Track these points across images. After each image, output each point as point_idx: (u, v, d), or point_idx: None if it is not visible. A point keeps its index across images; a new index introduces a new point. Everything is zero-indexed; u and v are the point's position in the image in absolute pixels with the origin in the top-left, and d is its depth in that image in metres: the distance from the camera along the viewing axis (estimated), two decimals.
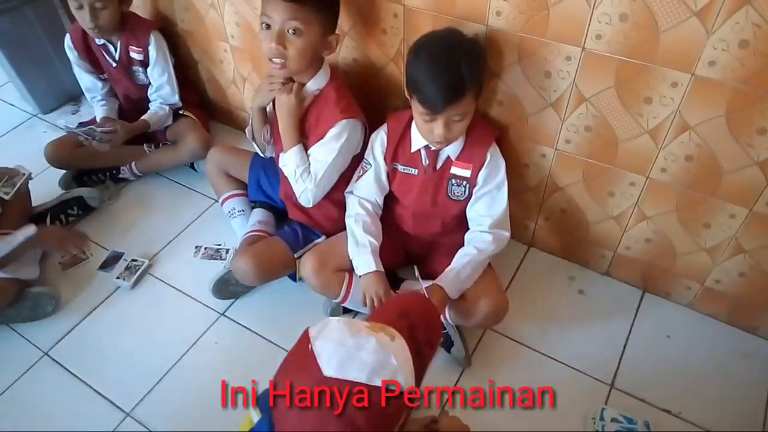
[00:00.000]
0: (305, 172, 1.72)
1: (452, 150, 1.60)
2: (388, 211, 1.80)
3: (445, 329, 1.72)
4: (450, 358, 1.72)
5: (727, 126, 1.35)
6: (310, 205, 1.76)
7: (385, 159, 1.70)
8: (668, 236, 1.67)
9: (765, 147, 1.34)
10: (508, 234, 1.65)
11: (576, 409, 1.61)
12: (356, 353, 0.82)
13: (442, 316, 1.68)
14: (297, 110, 1.70)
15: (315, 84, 1.70)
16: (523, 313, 1.85)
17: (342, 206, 1.80)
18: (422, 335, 0.91)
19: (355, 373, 0.81)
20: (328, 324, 0.87)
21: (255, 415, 0.98)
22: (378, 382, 0.80)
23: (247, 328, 1.86)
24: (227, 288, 1.94)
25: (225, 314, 1.92)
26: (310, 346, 0.85)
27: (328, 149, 1.68)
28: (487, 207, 1.63)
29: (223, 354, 1.80)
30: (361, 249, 1.67)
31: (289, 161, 1.74)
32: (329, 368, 0.81)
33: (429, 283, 1.60)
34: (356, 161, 1.77)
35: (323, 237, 1.87)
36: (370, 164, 1.72)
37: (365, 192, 1.75)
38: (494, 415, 1.59)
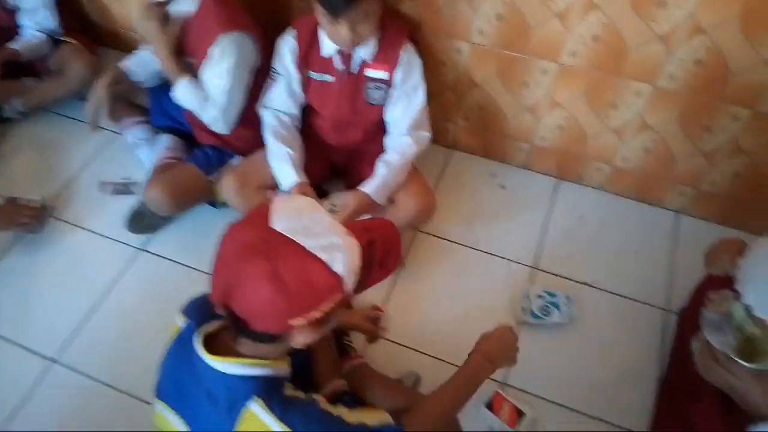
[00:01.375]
0: (205, 101, 1.61)
1: (366, 52, 1.54)
2: (307, 124, 1.74)
3: None
4: None
5: (629, 1, 1.39)
6: (227, 132, 1.67)
7: (296, 67, 1.61)
8: (579, 121, 1.73)
9: (666, 19, 1.39)
10: (428, 134, 1.64)
11: (505, 292, 1.71)
12: (309, 224, 0.82)
13: None
14: (160, 36, 1.56)
15: (184, 2, 1.55)
16: (450, 213, 1.90)
17: (254, 124, 1.70)
18: (379, 253, 0.90)
19: (301, 236, 0.80)
20: (296, 197, 0.87)
21: (181, 321, 0.97)
22: (319, 255, 0.79)
23: (171, 260, 1.79)
24: (143, 221, 1.83)
25: (146, 249, 1.82)
26: (269, 207, 0.84)
27: (218, 72, 1.56)
28: (404, 109, 1.61)
29: (149, 288, 1.73)
30: (282, 162, 1.61)
31: (182, 97, 1.62)
32: (278, 224, 0.81)
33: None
34: (264, 74, 1.67)
35: (238, 158, 1.78)
36: (280, 74, 1.62)
37: (278, 104, 1.66)
38: (429, 301, 1.67)
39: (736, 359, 1.07)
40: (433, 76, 1.78)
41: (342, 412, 0.94)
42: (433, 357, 1.59)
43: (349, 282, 0.83)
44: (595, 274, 1.75)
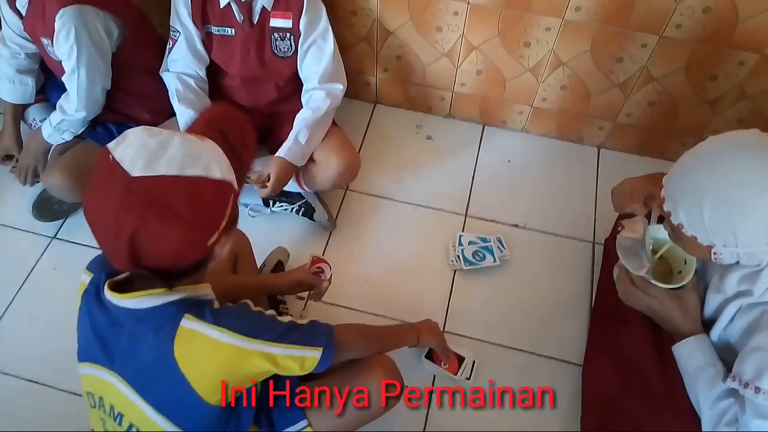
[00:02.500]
0: (66, 100, 1.51)
1: None
2: (217, 86, 1.64)
3: (305, 198, 1.68)
4: (316, 225, 1.70)
5: None
6: (88, 119, 1.56)
7: (194, 22, 1.50)
8: (495, 63, 1.72)
9: None
10: (341, 86, 1.58)
11: (439, 242, 1.70)
12: (162, 151, 0.77)
13: (297, 184, 1.63)
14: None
15: None
16: (378, 169, 1.86)
17: (154, 93, 1.60)
18: (235, 138, 0.90)
19: (164, 168, 0.76)
20: (126, 135, 0.80)
21: (86, 277, 0.93)
22: (193, 173, 0.77)
23: (85, 245, 1.68)
24: (50, 208, 1.70)
25: (56, 237, 1.70)
26: (110, 157, 0.77)
27: (65, 53, 1.42)
28: (315, 61, 1.54)
29: (65, 277, 1.61)
30: None
31: (51, 131, 1.55)
32: (136, 169, 0.75)
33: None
34: (144, 46, 1.56)
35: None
36: (179, 31, 1.51)
37: (182, 65, 1.56)
38: (364, 259, 1.64)
39: (652, 281, 1.10)
40: (345, 27, 1.72)
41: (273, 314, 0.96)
42: (373, 314, 1.57)
43: (231, 176, 0.83)
44: (525, 215, 1.77)
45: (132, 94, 1.61)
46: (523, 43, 1.63)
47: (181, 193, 0.76)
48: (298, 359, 0.94)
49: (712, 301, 1.07)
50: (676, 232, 0.95)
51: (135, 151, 0.77)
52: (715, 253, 0.92)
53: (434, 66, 1.79)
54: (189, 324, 0.85)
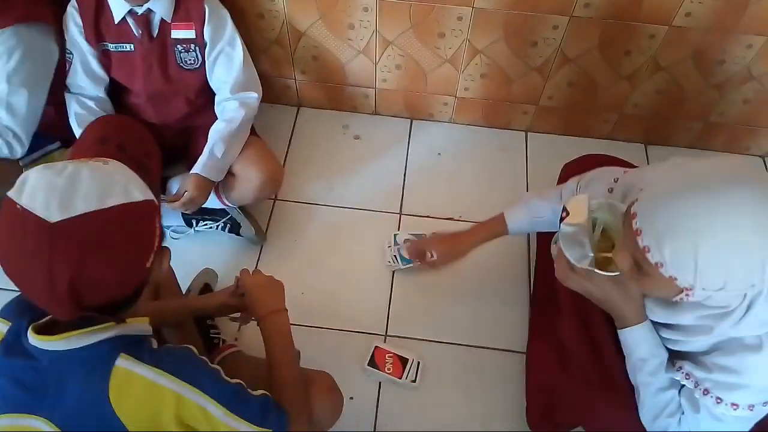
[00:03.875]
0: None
1: (163, 9, 1.37)
2: (123, 106, 1.54)
3: (229, 214, 1.60)
4: (244, 241, 1.63)
5: None
6: (23, 150, 1.42)
7: (87, 41, 1.40)
8: (413, 57, 1.68)
9: None
10: (256, 95, 1.51)
11: (375, 244, 1.66)
12: (72, 188, 0.73)
13: (218, 200, 1.55)
14: None
15: None
16: (307, 174, 1.80)
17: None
18: (135, 149, 0.88)
19: (83, 206, 0.72)
20: (25, 179, 0.74)
21: (2, 326, 0.85)
22: (114, 202, 0.74)
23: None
24: None
25: None
26: (18, 207, 0.71)
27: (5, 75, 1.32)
28: (225, 70, 1.47)
29: None
30: None
31: None
32: (53, 214, 0.70)
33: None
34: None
35: (58, 144, 1.56)
36: (72, 53, 1.42)
37: (80, 87, 1.47)
38: (298, 271, 1.59)
39: (594, 270, 1.05)
40: (254, 31, 1.65)
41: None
42: (313, 327, 1.52)
43: (149, 193, 0.79)
44: (459, 207, 1.75)
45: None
46: (438, 34, 1.60)
47: (110, 226, 0.74)
48: None
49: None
50: (644, 267, 0.81)
51: (44, 194, 0.71)
52: (687, 295, 0.81)
53: (353, 64, 1.74)
54: (125, 364, 0.78)
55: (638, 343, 1.00)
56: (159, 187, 0.84)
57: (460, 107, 1.85)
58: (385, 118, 1.93)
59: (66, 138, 1.52)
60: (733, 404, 0.87)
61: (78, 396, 0.79)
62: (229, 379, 0.88)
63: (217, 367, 0.89)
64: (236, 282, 1.30)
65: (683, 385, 0.96)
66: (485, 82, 1.74)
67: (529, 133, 1.91)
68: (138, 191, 0.77)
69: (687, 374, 0.93)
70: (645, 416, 1.01)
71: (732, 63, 1.57)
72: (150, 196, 0.79)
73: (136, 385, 0.79)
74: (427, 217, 1.73)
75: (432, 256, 1.46)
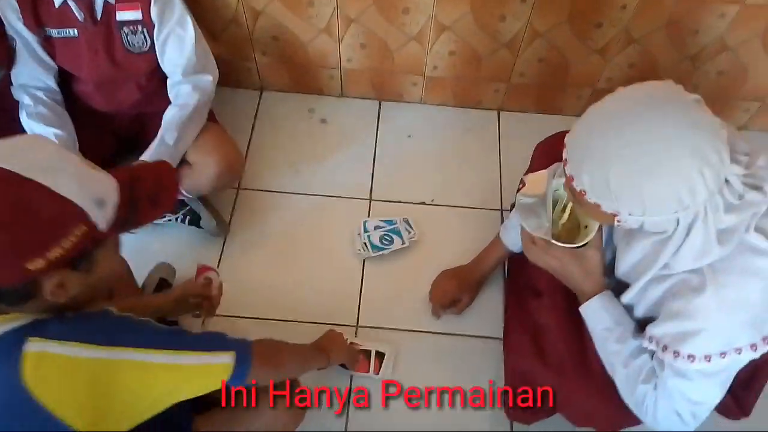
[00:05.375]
0: None
1: None
2: (71, 95, 1.45)
3: (188, 205, 1.52)
4: (205, 233, 1.56)
5: None
6: None
7: (27, 27, 1.31)
8: (378, 34, 1.61)
9: None
10: (210, 77, 1.43)
11: (345, 232, 1.60)
12: (24, 151, 0.68)
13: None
14: None
15: None
16: (271, 161, 1.73)
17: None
18: (147, 187, 0.79)
19: (5, 161, 0.67)
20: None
21: None
22: (35, 178, 0.67)
23: None
24: None
25: None
26: None
27: None
28: (177, 52, 1.38)
29: None
30: None
31: None
32: None
33: None
34: None
35: None
36: (15, 39, 1.32)
37: (27, 77, 1.38)
38: (265, 263, 1.53)
39: (551, 241, 1.04)
40: (208, 12, 1.57)
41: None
42: (282, 321, 1.46)
43: (97, 214, 0.70)
44: (431, 190, 1.69)
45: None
46: (402, 10, 1.52)
47: (8, 192, 0.67)
48: (199, 369, 0.80)
49: (622, 267, 1.02)
50: (577, 198, 0.85)
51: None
52: (618, 221, 0.83)
53: (315, 43, 1.66)
54: (34, 347, 0.72)
55: (600, 314, 0.99)
56: (136, 225, 0.77)
57: (429, 87, 1.78)
58: (352, 101, 1.86)
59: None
60: (689, 356, 0.84)
61: None
62: (165, 327, 0.82)
63: (147, 318, 0.82)
64: (197, 271, 1.24)
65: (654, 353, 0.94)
66: (453, 60, 1.67)
67: (501, 112, 1.85)
68: (69, 189, 0.69)
69: (650, 337, 0.91)
70: (623, 390, 0.97)
71: (705, 34, 1.53)
72: (88, 209, 0.70)
73: (50, 365, 0.72)
74: (399, 202, 1.67)
75: (461, 300, 1.47)
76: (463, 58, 1.66)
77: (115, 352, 0.75)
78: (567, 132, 0.99)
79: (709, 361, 0.82)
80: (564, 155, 0.85)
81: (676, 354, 0.86)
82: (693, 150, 0.73)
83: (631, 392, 0.95)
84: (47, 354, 0.72)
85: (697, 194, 0.75)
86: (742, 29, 1.50)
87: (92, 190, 0.71)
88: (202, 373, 0.81)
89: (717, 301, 0.80)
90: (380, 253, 1.54)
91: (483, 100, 1.83)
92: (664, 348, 0.88)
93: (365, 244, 1.55)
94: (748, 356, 0.82)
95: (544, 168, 1.13)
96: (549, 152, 1.19)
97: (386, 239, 1.56)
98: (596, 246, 1.03)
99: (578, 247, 1.03)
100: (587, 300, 1.01)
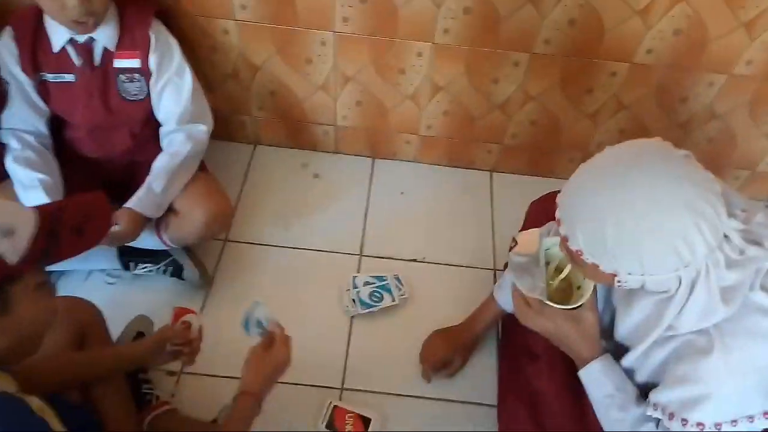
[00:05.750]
0: None
1: (106, 38, 1.29)
2: (62, 141, 1.44)
3: (171, 256, 1.48)
4: (188, 285, 1.50)
5: None
6: None
7: (24, 71, 1.31)
8: (373, 93, 1.63)
9: None
10: (205, 127, 1.43)
11: (334, 288, 1.55)
12: None
13: (159, 240, 1.43)
14: None
15: None
16: (262, 214, 1.70)
17: None
18: (72, 218, 0.76)
19: None
20: None
21: None
22: None
23: None
24: None
25: None
26: None
27: None
28: (174, 100, 1.38)
29: None
30: (33, 192, 1.31)
31: None
32: None
33: None
34: None
35: None
36: (9, 84, 1.32)
37: (18, 121, 1.36)
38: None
39: (546, 302, 1.00)
40: (207, 65, 1.59)
41: None
42: None
43: (4, 244, 0.67)
44: (422, 248, 1.66)
45: None
46: (398, 70, 1.55)
47: None
48: None
49: (622, 329, 0.97)
50: (575, 258, 0.82)
51: None
52: (619, 281, 0.80)
53: (312, 100, 1.68)
54: None
55: (601, 380, 0.93)
56: (56, 259, 0.74)
57: (423, 145, 1.79)
58: (346, 157, 1.86)
59: None
60: (698, 423, 0.79)
61: None
62: None
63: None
64: (173, 315, 1.18)
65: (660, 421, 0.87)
66: (447, 120, 1.69)
67: (493, 173, 1.85)
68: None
69: (655, 404, 0.85)
70: None
71: (694, 101, 1.56)
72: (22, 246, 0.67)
73: None
74: (390, 258, 1.63)
75: (453, 362, 1.41)
76: (457, 119, 1.68)
77: None
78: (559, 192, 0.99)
79: (720, 429, 0.77)
80: (557, 215, 0.83)
81: (684, 422, 0.80)
82: (686, 203, 0.72)
83: None
84: None
85: (696, 249, 0.73)
86: (730, 98, 1.54)
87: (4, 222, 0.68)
88: None
89: (725, 364, 0.76)
90: (369, 310, 1.48)
91: (476, 161, 1.83)
92: (671, 416, 0.82)
93: (353, 300, 1.50)
94: (762, 425, 0.76)
95: (538, 227, 1.11)
96: (543, 211, 1.17)
97: (376, 296, 1.51)
98: (592, 307, 0.99)
99: (574, 308, 0.99)
100: (585, 364, 0.96)
